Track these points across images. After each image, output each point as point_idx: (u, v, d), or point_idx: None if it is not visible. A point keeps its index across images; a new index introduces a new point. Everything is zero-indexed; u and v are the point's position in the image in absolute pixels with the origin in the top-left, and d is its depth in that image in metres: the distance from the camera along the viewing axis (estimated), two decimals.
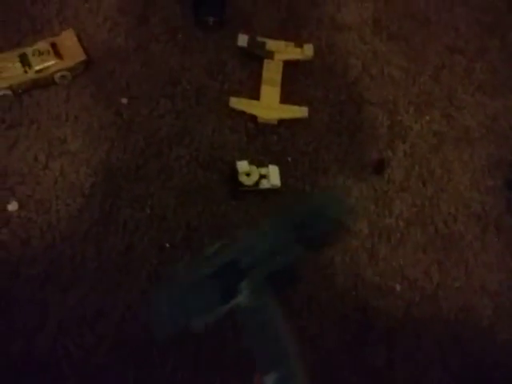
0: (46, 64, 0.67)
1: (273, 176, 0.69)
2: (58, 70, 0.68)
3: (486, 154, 0.80)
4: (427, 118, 0.81)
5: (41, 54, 0.67)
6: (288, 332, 0.37)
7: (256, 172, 0.69)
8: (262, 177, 0.69)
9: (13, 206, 0.62)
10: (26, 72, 0.67)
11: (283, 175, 0.71)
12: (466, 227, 0.74)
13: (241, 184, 0.68)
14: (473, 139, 0.81)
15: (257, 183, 0.68)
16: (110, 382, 0.58)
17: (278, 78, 0.77)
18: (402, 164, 0.77)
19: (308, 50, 0.80)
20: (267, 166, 0.70)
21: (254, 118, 0.74)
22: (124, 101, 0.72)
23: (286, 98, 0.77)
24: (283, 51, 0.79)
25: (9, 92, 0.66)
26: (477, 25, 0.91)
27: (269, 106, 0.75)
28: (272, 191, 0.69)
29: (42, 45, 0.69)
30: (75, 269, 0.61)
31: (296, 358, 0.36)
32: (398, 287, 0.67)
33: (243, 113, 0.74)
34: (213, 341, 0.60)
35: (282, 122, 0.75)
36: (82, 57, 0.70)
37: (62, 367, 0.56)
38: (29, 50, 0.68)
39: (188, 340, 0.60)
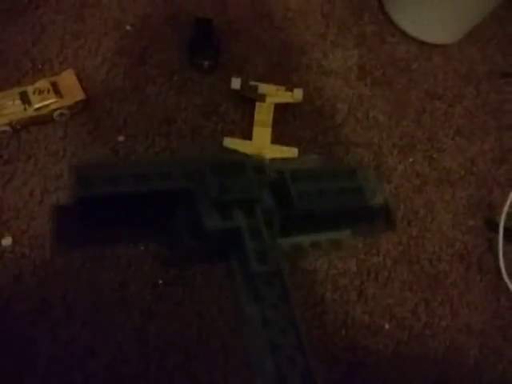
0: (46, 102, 0.69)
1: None
2: (58, 108, 0.70)
3: (467, 195, 0.84)
4: (410, 159, 0.85)
5: (41, 92, 0.69)
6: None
7: None
8: None
9: (6, 241, 0.62)
10: (25, 109, 0.68)
11: None
12: (451, 266, 0.76)
13: None
14: (453, 180, 0.85)
15: None
16: None
17: (270, 119, 0.81)
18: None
19: (297, 94, 0.84)
20: None
21: None
22: (121, 138, 0.74)
23: (277, 138, 0.80)
24: (274, 94, 0.83)
25: (8, 128, 0.68)
26: (454, 73, 0.98)
27: (260, 146, 0.78)
28: None
29: (43, 83, 0.70)
30: (67, 306, 0.60)
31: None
32: (386, 326, 0.69)
33: (236, 152, 0.76)
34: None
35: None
36: (81, 96, 0.73)
37: None
38: (29, 89, 0.70)
39: (182, 377, 0.59)
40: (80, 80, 0.75)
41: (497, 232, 0.78)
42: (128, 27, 0.84)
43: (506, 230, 0.78)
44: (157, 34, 0.85)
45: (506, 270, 0.76)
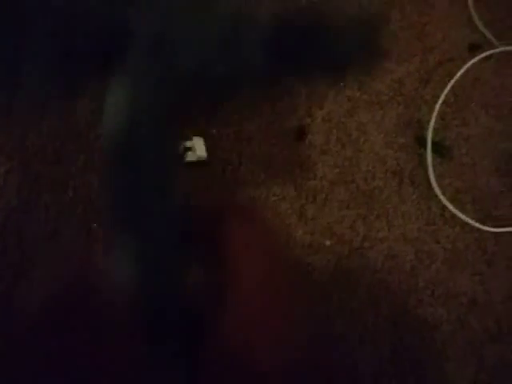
0: None
1: (198, 148, 0.70)
2: None
3: (396, 115, 0.86)
4: (341, 84, 0.85)
5: None
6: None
7: (181, 145, 0.69)
8: (188, 149, 0.69)
9: None
10: None
11: (209, 147, 0.71)
12: (384, 182, 0.79)
13: None
14: (383, 102, 0.86)
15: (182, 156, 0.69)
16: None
17: None
18: (321, 129, 0.80)
19: None
20: (191, 138, 0.70)
21: None
22: None
23: None
24: None
25: None
26: None
27: None
28: (199, 163, 0.70)
29: None
30: None
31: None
32: (327, 242, 0.71)
33: None
34: None
35: None
36: None
37: None
38: None
39: None
40: None
41: (426, 147, 0.82)
42: None
43: (433, 144, 0.82)
44: None
45: (436, 180, 0.80)
